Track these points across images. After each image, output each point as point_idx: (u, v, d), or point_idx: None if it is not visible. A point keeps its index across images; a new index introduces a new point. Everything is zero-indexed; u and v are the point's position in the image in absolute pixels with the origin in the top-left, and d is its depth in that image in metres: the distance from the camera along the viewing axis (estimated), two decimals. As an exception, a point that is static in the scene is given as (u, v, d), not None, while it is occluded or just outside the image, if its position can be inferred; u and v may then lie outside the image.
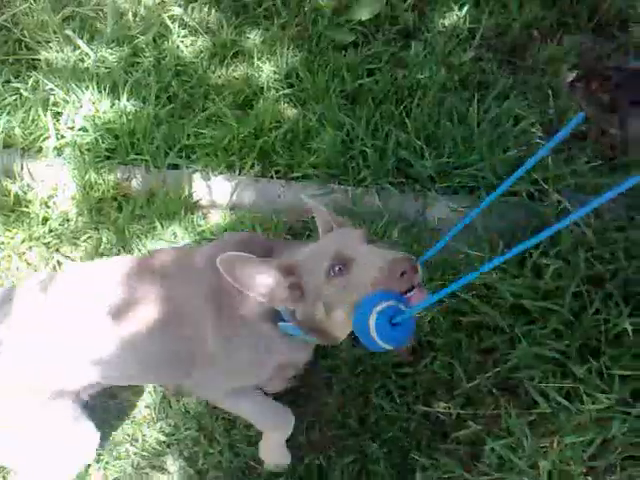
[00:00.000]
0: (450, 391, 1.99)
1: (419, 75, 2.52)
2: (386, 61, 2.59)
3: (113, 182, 2.34)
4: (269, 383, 1.94)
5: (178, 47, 2.64)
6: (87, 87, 2.47)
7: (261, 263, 1.44)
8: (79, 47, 2.60)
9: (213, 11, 2.74)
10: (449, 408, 1.96)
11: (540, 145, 2.28)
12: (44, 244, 2.29)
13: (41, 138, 2.42)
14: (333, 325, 1.47)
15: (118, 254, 2.26)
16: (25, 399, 1.62)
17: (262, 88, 2.56)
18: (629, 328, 1.83)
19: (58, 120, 2.45)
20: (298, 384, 2.05)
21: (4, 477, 1.95)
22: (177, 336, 1.60)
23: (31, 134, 2.42)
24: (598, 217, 2.06)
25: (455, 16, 2.72)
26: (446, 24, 2.71)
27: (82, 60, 2.59)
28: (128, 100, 2.46)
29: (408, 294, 1.33)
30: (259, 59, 2.62)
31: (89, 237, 2.30)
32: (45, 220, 2.33)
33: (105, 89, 2.48)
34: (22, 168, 2.37)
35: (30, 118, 2.44)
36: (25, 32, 2.66)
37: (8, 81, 2.55)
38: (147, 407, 2.07)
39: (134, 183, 2.36)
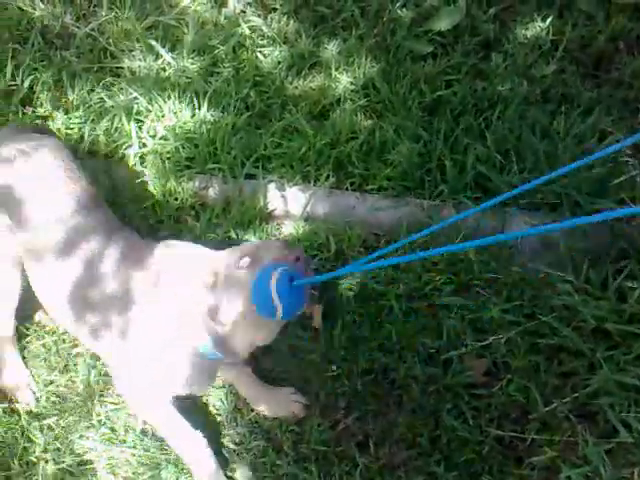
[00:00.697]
0: (525, 415, 1.93)
1: (499, 87, 2.47)
2: (465, 72, 2.55)
3: (191, 191, 2.38)
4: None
5: (257, 57, 2.66)
6: (169, 96, 2.53)
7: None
8: (161, 56, 2.66)
9: (291, 22, 2.76)
10: (524, 432, 1.90)
11: (628, 162, 2.21)
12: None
13: (124, 146, 2.48)
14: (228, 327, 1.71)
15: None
16: None
17: (339, 99, 2.56)
18: None
19: (140, 128, 2.50)
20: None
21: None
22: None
23: (114, 142, 2.48)
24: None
25: (537, 27, 2.66)
26: (528, 35, 2.65)
27: (164, 69, 2.64)
28: (208, 110, 2.49)
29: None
30: (336, 70, 2.62)
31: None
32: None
33: (186, 99, 2.52)
34: (105, 175, 2.44)
35: (114, 126, 2.51)
36: (110, 41, 2.74)
37: (92, 89, 2.63)
38: (218, 414, 2.09)
39: (211, 192, 2.39)
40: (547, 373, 1.94)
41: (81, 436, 2.12)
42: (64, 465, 2.08)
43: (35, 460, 2.09)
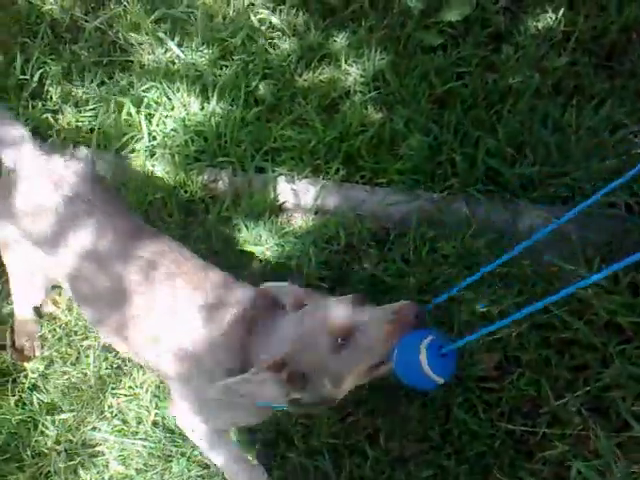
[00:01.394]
0: (536, 409, 1.93)
1: (511, 79, 2.45)
2: (476, 65, 2.53)
3: (201, 184, 2.38)
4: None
5: (266, 50, 2.65)
6: (178, 89, 2.52)
7: (253, 377, 1.44)
8: (170, 49, 2.65)
9: (301, 14, 2.74)
10: (535, 426, 1.90)
11: (641, 155, 2.19)
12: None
13: (134, 139, 2.48)
14: (340, 393, 1.48)
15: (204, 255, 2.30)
16: None
17: (348, 91, 2.55)
18: None
19: (150, 122, 2.50)
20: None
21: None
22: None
23: (124, 135, 2.48)
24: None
25: (549, 18, 2.63)
26: (539, 27, 2.62)
27: (173, 62, 2.64)
28: (217, 103, 2.49)
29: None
30: (346, 62, 2.61)
31: (180, 238, 2.34)
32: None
33: (195, 91, 2.52)
34: (116, 168, 2.44)
35: (123, 119, 2.51)
36: (119, 34, 2.74)
37: (103, 82, 2.63)
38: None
39: (221, 185, 2.39)
40: (558, 367, 1.93)
41: (93, 428, 2.13)
42: (76, 457, 2.10)
43: (47, 452, 2.10)
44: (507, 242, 2.15)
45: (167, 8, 2.77)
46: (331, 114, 2.49)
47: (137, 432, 2.11)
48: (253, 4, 2.79)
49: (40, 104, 2.63)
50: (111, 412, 2.16)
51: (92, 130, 2.54)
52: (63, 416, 2.15)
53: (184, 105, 2.51)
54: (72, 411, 2.16)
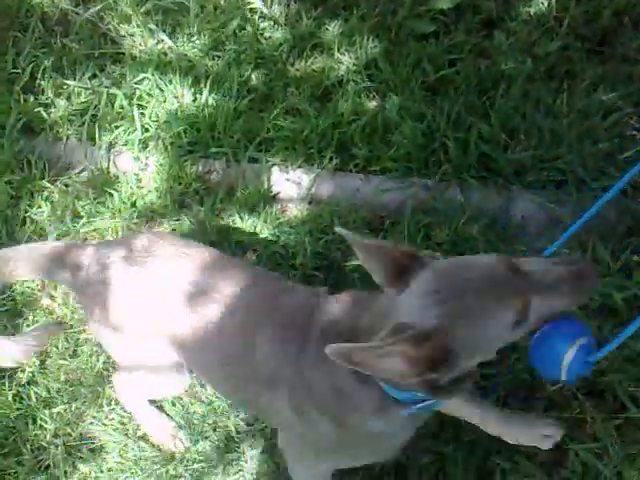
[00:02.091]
0: (533, 394, 1.93)
1: (503, 65, 2.44)
2: (468, 51, 2.52)
3: (195, 175, 2.38)
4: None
5: (258, 40, 2.64)
6: (170, 81, 2.52)
7: (385, 344, 1.17)
8: (162, 40, 2.64)
9: (292, 2, 2.73)
10: (531, 411, 1.90)
11: (635, 136, 2.18)
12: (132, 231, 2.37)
13: (127, 132, 2.47)
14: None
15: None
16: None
17: (341, 80, 2.54)
18: None
19: (143, 114, 2.50)
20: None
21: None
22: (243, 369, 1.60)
23: (117, 127, 2.48)
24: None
25: (540, 4, 2.61)
26: (531, 12, 2.61)
27: (165, 54, 2.63)
28: (210, 93, 2.48)
29: None
30: (338, 50, 2.60)
31: (173, 229, 2.34)
32: (130, 210, 2.40)
33: (187, 82, 2.51)
34: (109, 161, 2.43)
35: (115, 112, 2.50)
36: (110, 26, 2.72)
37: (94, 75, 2.62)
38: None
39: (215, 176, 2.39)
40: (554, 351, 1.94)
41: (91, 422, 2.14)
42: (74, 450, 2.10)
43: (45, 445, 2.11)
44: (500, 228, 2.15)
45: (158, -1, 2.77)
46: (324, 103, 2.48)
47: (135, 424, 2.12)
48: (244, -6, 2.78)
49: (32, 98, 2.62)
50: (109, 405, 2.17)
51: (84, 123, 2.53)
52: (61, 409, 2.16)
53: (176, 97, 2.50)
54: (70, 405, 2.17)
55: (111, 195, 2.42)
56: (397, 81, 2.45)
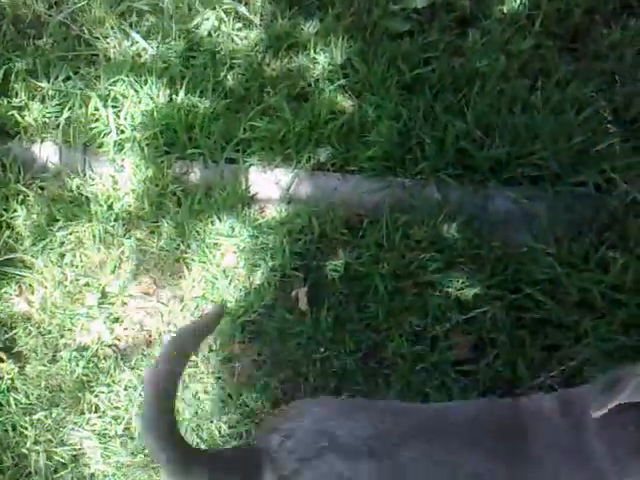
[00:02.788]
0: (512, 389, 1.95)
1: (478, 63, 2.46)
2: (443, 50, 2.54)
3: (172, 176, 2.37)
4: None
5: (233, 40, 2.64)
6: (145, 81, 2.50)
7: None
8: (137, 42, 2.62)
9: (266, 3, 2.73)
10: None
11: (609, 130, 2.21)
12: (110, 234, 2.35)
13: (102, 134, 2.45)
14: None
15: (177, 249, 2.29)
16: None
17: (317, 80, 2.54)
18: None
19: (118, 115, 2.48)
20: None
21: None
22: None
23: (92, 129, 2.46)
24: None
25: (514, 2, 2.64)
26: (504, 10, 2.64)
27: (139, 55, 2.61)
28: (185, 94, 2.47)
29: None
30: (314, 50, 2.60)
31: (151, 231, 2.33)
32: (107, 212, 2.37)
33: (163, 83, 2.50)
34: (84, 163, 2.41)
35: (90, 113, 2.48)
36: (84, 28, 2.70)
37: (69, 77, 2.59)
38: (210, 400, 2.10)
39: (192, 177, 2.38)
40: (533, 347, 1.97)
41: (72, 427, 2.12)
42: (56, 456, 2.09)
43: (26, 452, 2.09)
44: (478, 225, 2.17)
45: (132, 1, 2.74)
46: (300, 103, 2.48)
47: (117, 430, 2.10)
48: (218, -6, 2.77)
49: (6, 101, 2.58)
50: (90, 410, 2.15)
51: (59, 125, 2.50)
52: (41, 416, 2.14)
53: (152, 98, 2.49)
54: (50, 411, 2.15)
55: (87, 198, 2.40)
56: (373, 80, 2.46)
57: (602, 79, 2.46)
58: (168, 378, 1.31)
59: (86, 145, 2.47)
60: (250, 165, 2.38)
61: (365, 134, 2.38)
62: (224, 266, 2.27)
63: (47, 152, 2.48)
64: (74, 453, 2.11)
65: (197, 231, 2.31)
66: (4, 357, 2.20)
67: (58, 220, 2.38)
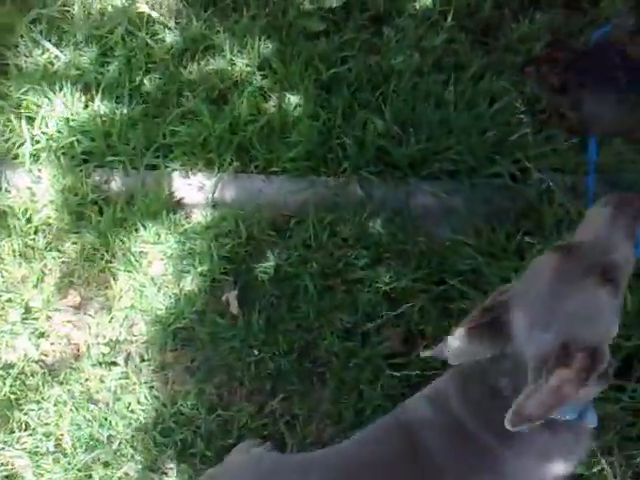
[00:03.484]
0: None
1: (393, 60, 2.50)
2: (358, 48, 2.57)
3: (92, 185, 2.32)
4: None
5: (147, 44, 2.59)
6: (60, 88, 2.44)
7: (544, 383, 1.15)
8: (48, 50, 2.55)
9: (181, 5, 2.70)
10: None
11: (522, 120, 2.28)
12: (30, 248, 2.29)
13: (16, 145, 2.38)
14: None
15: (102, 259, 2.25)
16: None
17: (236, 82, 2.53)
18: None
19: (32, 125, 2.41)
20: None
21: None
22: None
23: (6, 141, 2.38)
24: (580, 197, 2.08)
25: (425, -1, 2.70)
26: (417, 7, 2.69)
27: (52, 63, 2.54)
28: (102, 101, 2.43)
29: None
30: (231, 52, 2.59)
31: (73, 242, 2.28)
32: (26, 226, 2.31)
33: (77, 91, 2.44)
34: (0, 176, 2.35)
35: (2, 124, 2.40)
36: (-9, 37, 2.61)
37: (-23, 89, 2.51)
38: (143, 411, 2.08)
39: (113, 185, 2.34)
40: (460, 335, 2.02)
41: (3, 447, 2.07)
42: (-14, 479, 2.03)
43: (-45, 477, 2.02)
44: (401, 220, 2.22)
45: (41, 7, 2.66)
46: (220, 105, 2.47)
47: (48, 447, 2.06)
48: (130, -2, 2.72)
49: None
50: (20, 428, 2.10)
51: (-29, 140, 2.42)
52: (-32, 439, 2.07)
53: (66, 105, 2.43)
54: (-23, 433, 2.08)
55: (4, 212, 2.33)
56: (291, 80, 2.47)
57: (513, 71, 2.54)
58: None
59: (0, 157, 2.39)
60: (172, 170, 2.36)
61: (286, 135, 2.39)
62: (152, 274, 2.24)
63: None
64: (6, 473, 2.06)
65: (121, 240, 2.27)
66: None
67: (-25, 236, 2.30)
